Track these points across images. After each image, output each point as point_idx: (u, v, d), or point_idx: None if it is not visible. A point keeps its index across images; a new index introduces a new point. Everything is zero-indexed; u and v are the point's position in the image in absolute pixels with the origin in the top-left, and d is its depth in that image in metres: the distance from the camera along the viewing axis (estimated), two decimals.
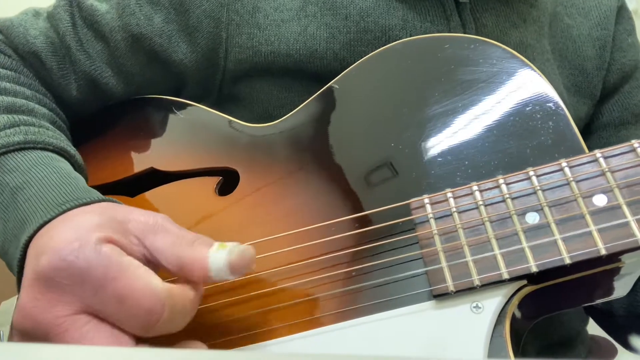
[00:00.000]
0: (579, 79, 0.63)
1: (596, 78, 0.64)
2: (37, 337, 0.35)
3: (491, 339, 0.38)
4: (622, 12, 0.67)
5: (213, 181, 0.52)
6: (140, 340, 0.36)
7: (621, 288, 0.43)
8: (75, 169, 0.48)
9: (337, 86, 0.52)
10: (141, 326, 0.34)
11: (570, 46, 0.63)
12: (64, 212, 0.40)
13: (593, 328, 0.64)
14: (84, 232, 0.36)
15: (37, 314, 0.35)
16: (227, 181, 0.53)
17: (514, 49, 0.48)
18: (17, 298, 0.42)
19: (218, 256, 0.37)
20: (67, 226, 0.37)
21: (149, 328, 0.34)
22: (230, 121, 0.56)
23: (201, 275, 0.37)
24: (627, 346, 0.65)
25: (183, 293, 0.37)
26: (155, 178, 0.55)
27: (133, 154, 0.58)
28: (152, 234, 0.38)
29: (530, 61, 0.47)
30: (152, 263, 0.38)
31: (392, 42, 0.51)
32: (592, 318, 0.66)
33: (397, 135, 0.48)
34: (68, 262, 0.35)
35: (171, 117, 0.59)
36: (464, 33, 0.56)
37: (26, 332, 0.36)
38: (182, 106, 0.59)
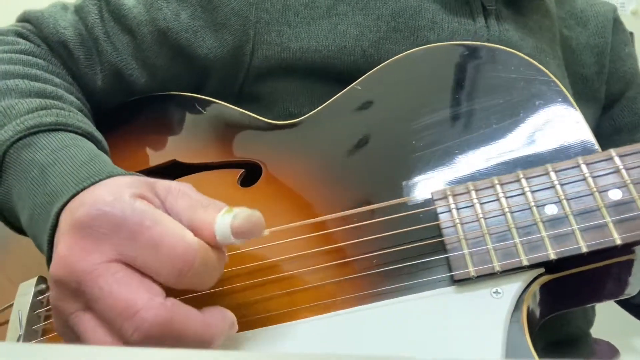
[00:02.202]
0: (580, 86, 0.68)
1: (597, 82, 0.69)
2: (71, 285, 0.36)
3: (510, 323, 0.40)
4: (617, 24, 0.73)
5: (236, 173, 0.54)
6: (169, 293, 0.36)
7: (633, 285, 0.45)
8: None
9: (359, 87, 0.55)
10: (173, 274, 0.35)
11: (569, 57, 0.68)
12: (95, 183, 0.41)
13: (596, 331, 0.65)
14: (118, 189, 0.38)
15: (73, 262, 0.36)
16: (249, 174, 0.54)
17: (531, 53, 0.51)
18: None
19: (224, 220, 0.38)
20: (100, 187, 0.39)
21: (180, 277, 0.35)
22: (252, 117, 0.58)
23: (208, 237, 0.38)
24: None
25: (214, 251, 0.38)
26: (177, 170, 0.57)
27: (155, 147, 0.60)
28: (173, 198, 0.39)
29: (544, 65, 0.50)
30: None
31: (420, 41, 0.54)
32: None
33: (418, 134, 0.50)
34: (104, 211, 0.36)
35: (194, 113, 0.60)
36: (488, 35, 0.59)
37: (62, 281, 0.36)
38: (206, 103, 0.61)
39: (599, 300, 0.48)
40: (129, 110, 0.64)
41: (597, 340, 0.67)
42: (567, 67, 0.67)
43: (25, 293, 0.53)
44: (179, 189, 0.40)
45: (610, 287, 0.45)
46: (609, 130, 0.71)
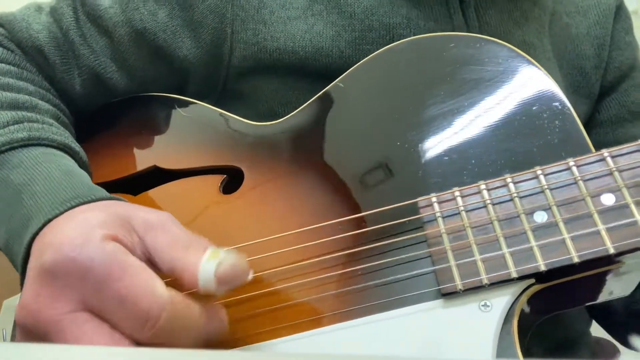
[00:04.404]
0: (578, 78, 0.64)
1: (594, 77, 0.64)
2: (38, 333, 0.35)
3: (499, 337, 0.38)
4: (620, 11, 0.67)
5: (217, 179, 0.52)
6: (140, 345, 0.35)
7: (626, 286, 0.44)
8: (80, 166, 0.48)
9: (341, 85, 0.52)
10: (137, 329, 0.34)
11: (568, 45, 0.63)
12: (69, 209, 0.39)
13: (596, 330, 0.64)
14: (88, 229, 0.35)
15: (38, 310, 0.34)
16: (232, 179, 0.52)
17: (517, 48, 0.48)
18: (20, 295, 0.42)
19: (208, 266, 0.36)
20: (71, 223, 0.37)
21: (145, 332, 0.33)
22: (234, 119, 0.56)
23: (190, 283, 0.36)
24: (626, 344, 0.65)
25: (187, 307, 0.35)
26: (158, 176, 0.55)
27: (136, 152, 0.58)
28: (153, 232, 0.37)
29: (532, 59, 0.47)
30: (151, 262, 0.37)
31: (396, 40, 0.51)
32: (590, 316, 0.67)
33: (403, 134, 0.48)
34: (70, 258, 0.34)
35: (174, 115, 0.58)
36: (468, 31, 0.56)
37: (27, 328, 0.35)
38: (186, 104, 0.59)
39: (594, 300, 0.46)
40: (108, 113, 0.61)
41: (597, 339, 0.66)
42: (564, 58, 0.63)
43: (10, 310, 0.52)
44: (158, 222, 0.38)
45: (603, 290, 0.44)
46: (592, 123, 0.67)
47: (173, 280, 0.37)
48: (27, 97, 0.52)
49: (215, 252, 0.36)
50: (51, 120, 0.51)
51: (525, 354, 0.40)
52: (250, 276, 0.38)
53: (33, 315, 0.35)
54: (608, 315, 0.65)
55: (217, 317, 0.38)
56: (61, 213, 0.39)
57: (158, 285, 0.34)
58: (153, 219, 0.38)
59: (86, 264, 0.34)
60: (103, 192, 0.42)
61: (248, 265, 0.37)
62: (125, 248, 0.36)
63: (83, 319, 0.34)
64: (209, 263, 0.36)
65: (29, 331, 0.35)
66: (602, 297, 0.45)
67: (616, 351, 0.66)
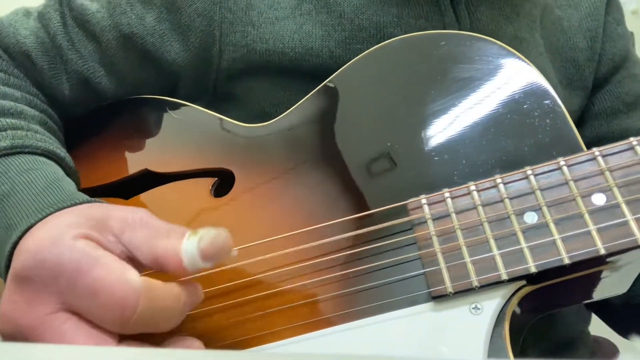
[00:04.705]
0: (571, 71, 0.63)
1: (588, 70, 0.64)
2: (20, 339, 0.35)
3: (491, 340, 0.38)
4: (611, 2, 0.66)
5: (208, 182, 0.52)
6: (124, 338, 0.35)
7: (620, 285, 0.43)
8: (66, 172, 0.48)
9: (332, 85, 0.52)
10: (116, 320, 0.33)
11: (561, 38, 0.62)
12: (46, 216, 0.40)
13: (594, 328, 0.64)
14: (58, 231, 0.36)
15: (17, 317, 0.35)
16: (223, 182, 0.52)
17: (508, 44, 0.47)
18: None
19: (189, 244, 0.36)
20: (44, 228, 0.37)
21: (124, 322, 0.33)
22: (225, 121, 0.55)
23: (175, 265, 0.36)
24: (625, 335, 0.64)
25: (164, 289, 0.35)
26: (149, 179, 0.55)
27: (127, 155, 0.57)
28: (131, 230, 0.37)
29: (524, 55, 0.46)
30: (132, 260, 0.37)
31: (387, 39, 0.51)
32: (589, 309, 0.66)
33: (393, 134, 0.47)
34: (40, 259, 0.34)
35: (165, 117, 0.58)
36: (459, 28, 0.56)
37: (10, 336, 0.35)
38: (177, 106, 0.58)
39: (588, 299, 0.46)
40: (99, 116, 0.61)
41: (596, 338, 0.65)
42: (557, 51, 0.62)
43: None
44: (136, 219, 0.38)
45: (598, 288, 0.43)
46: (586, 115, 0.66)
47: (156, 273, 0.37)
48: (12, 103, 0.52)
49: (194, 231, 0.37)
50: (37, 127, 0.51)
51: (521, 355, 0.40)
52: (235, 252, 0.38)
53: (12, 322, 0.35)
54: (606, 307, 0.64)
55: (194, 292, 0.38)
56: (39, 220, 0.39)
57: (130, 273, 0.34)
58: (130, 217, 0.38)
59: (56, 262, 0.34)
60: (82, 197, 0.42)
61: (230, 238, 0.37)
62: (96, 244, 0.36)
63: (62, 319, 0.34)
64: (189, 241, 0.36)
65: (12, 338, 0.35)
66: (596, 296, 0.45)
67: (615, 350, 0.66)
